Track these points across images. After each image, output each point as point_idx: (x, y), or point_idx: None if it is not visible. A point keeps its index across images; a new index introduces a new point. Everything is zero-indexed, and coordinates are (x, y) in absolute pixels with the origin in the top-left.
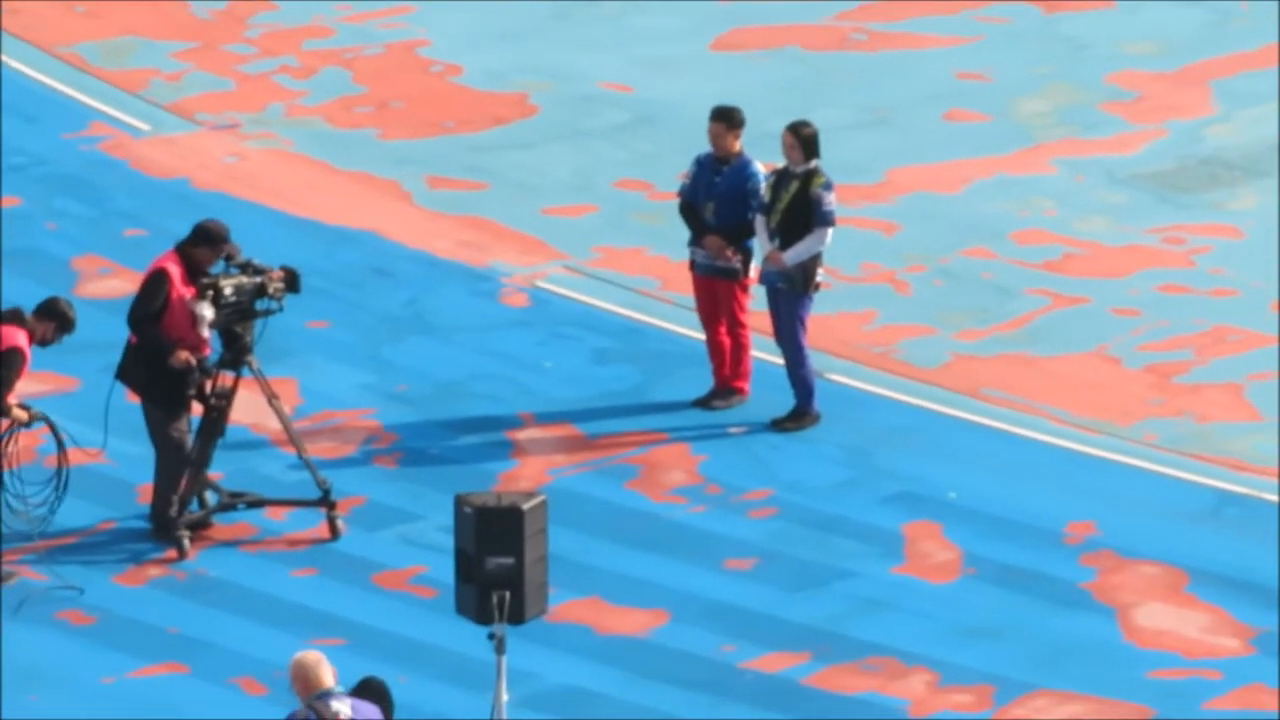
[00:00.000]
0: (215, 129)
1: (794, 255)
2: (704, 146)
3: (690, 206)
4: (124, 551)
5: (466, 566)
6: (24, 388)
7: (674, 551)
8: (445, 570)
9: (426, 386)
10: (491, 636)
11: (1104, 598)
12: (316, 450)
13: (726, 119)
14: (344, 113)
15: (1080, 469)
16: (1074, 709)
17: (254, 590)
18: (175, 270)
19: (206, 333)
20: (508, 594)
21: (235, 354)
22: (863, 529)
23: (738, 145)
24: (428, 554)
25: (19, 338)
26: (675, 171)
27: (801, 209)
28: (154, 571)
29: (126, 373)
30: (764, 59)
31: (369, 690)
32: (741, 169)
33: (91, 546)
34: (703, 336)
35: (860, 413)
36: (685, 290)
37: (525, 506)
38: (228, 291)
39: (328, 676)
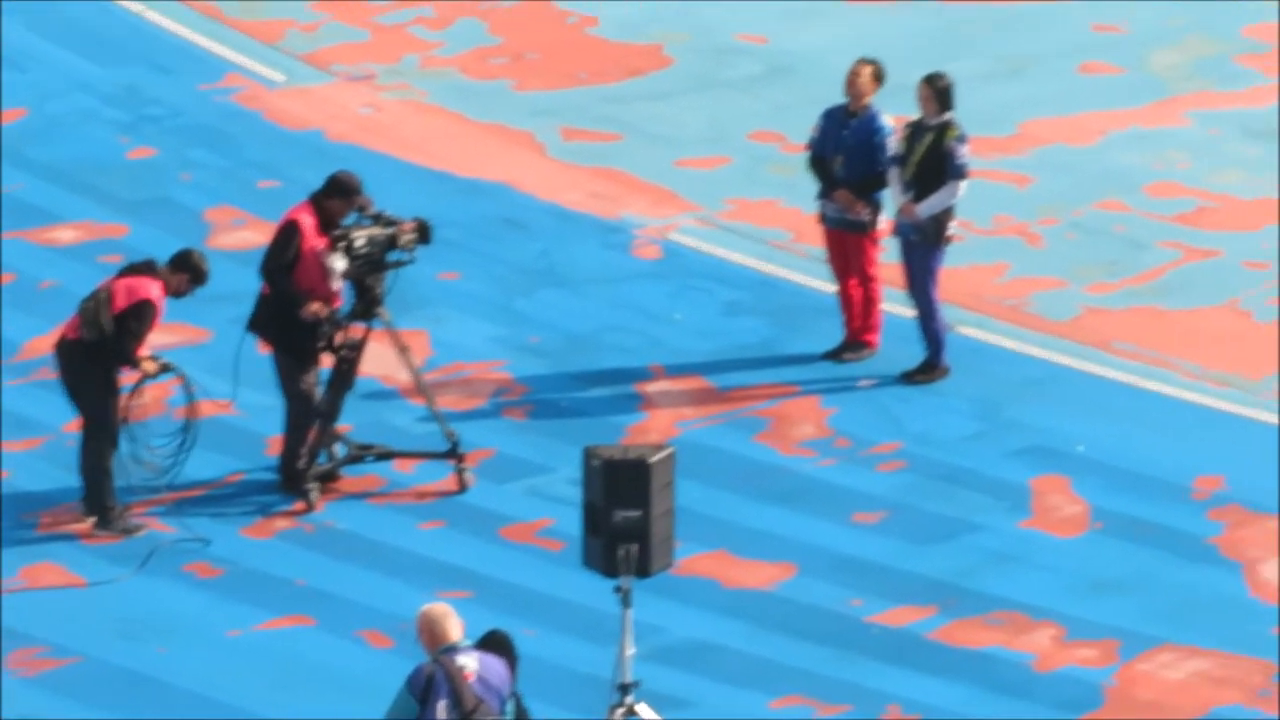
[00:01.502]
0: (350, 80)
1: (927, 208)
2: (836, 98)
3: (819, 159)
4: (252, 504)
5: (594, 519)
6: (156, 339)
7: (802, 505)
8: (573, 523)
9: (557, 339)
10: (618, 590)
11: (1231, 552)
12: (446, 402)
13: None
14: (479, 64)
15: (1210, 423)
16: (1199, 664)
17: (381, 543)
18: (308, 221)
19: (338, 284)
20: (635, 547)
21: (366, 305)
22: (991, 483)
23: (868, 99)
24: (555, 506)
25: (152, 289)
26: (809, 124)
27: (935, 162)
28: (282, 524)
29: (258, 324)
30: (900, 10)
31: (494, 644)
32: (869, 122)
33: (219, 499)
34: (833, 289)
35: (990, 366)
36: (817, 243)
37: (653, 459)
38: (360, 243)
39: (455, 630)
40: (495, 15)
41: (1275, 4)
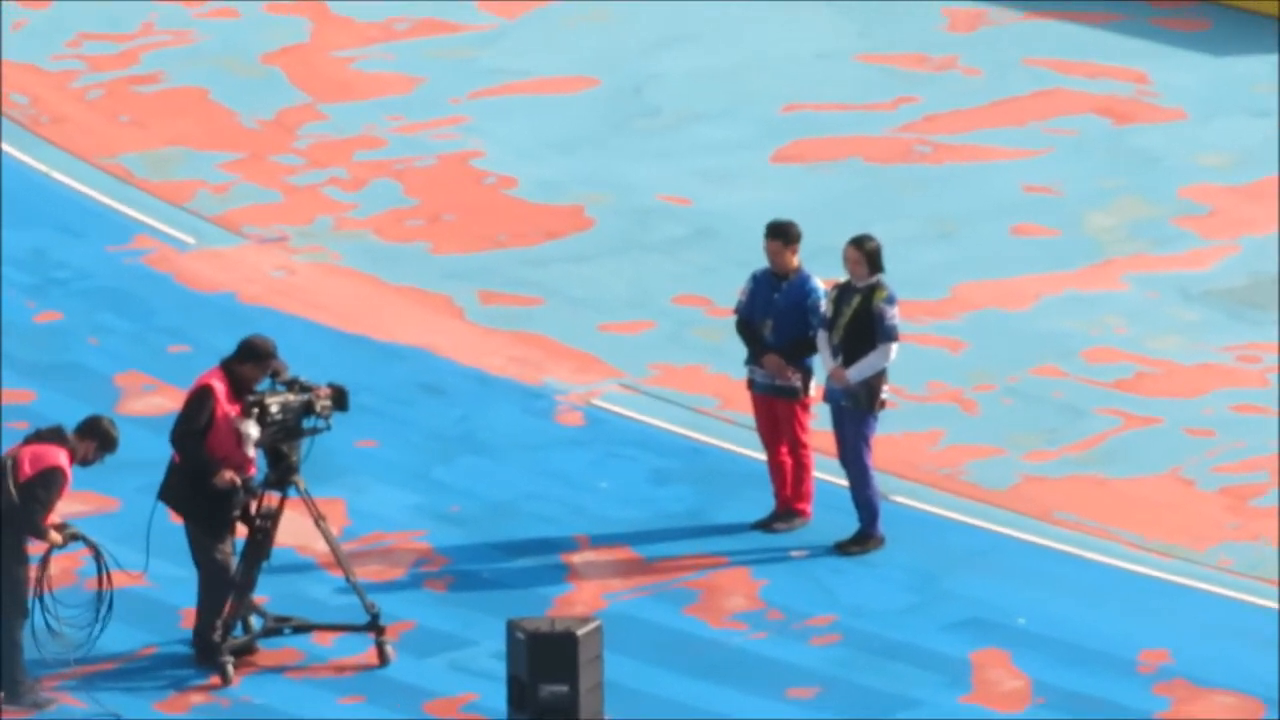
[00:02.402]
0: (262, 242)
1: (858, 372)
2: (762, 261)
3: (748, 324)
4: (166, 677)
5: (519, 694)
6: (64, 507)
7: (734, 679)
8: (498, 698)
9: (478, 507)
10: None
11: None
12: (365, 573)
13: (783, 235)
14: (395, 225)
15: (1153, 594)
16: None
17: (299, 718)
18: (220, 387)
19: (252, 452)
20: None
21: (281, 474)
22: (929, 656)
23: (796, 260)
24: (479, 681)
25: (60, 457)
26: (735, 286)
27: (865, 324)
28: (197, 698)
29: (169, 492)
30: (826, 171)
31: None
32: (800, 285)
33: (132, 672)
34: (763, 457)
35: (927, 536)
36: (745, 409)
37: (580, 632)
38: (274, 409)
39: None
40: (411, 176)
41: (1207, 166)
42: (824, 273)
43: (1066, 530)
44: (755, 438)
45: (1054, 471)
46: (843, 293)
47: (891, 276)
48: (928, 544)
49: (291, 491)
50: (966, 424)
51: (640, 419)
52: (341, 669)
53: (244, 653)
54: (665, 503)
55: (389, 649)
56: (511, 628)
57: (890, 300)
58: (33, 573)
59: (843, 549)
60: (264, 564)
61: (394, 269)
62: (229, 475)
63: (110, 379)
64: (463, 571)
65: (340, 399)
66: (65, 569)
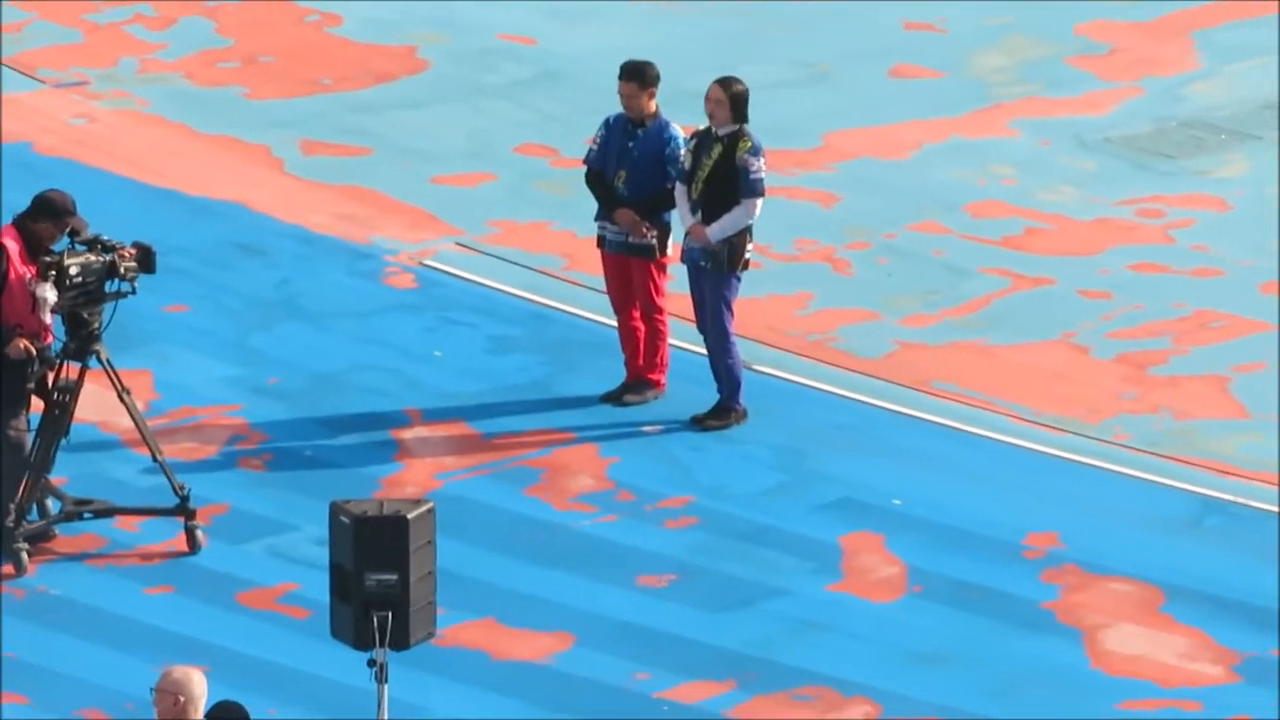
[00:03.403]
0: (60, 87)
1: (719, 230)
2: (615, 107)
3: (599, 175)
4: None
5: (343, 584)
6: None
7: (580, 567)
8: (319, 588)
9: (300, 379)
10: (372, 663)
11: (1069, 619)
12: (173, 452)
13: (639, 76)
14: (206, 68)
15: (1042, 472)
16: None
17: (102, 610)
18: (13, 247)
19: (49, 318)
20: (390, 615)
21: (81, 342)
22: (795, 541)
23: (653, 106)
24: (299, 569)
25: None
26: (585, 134)
27: (726, 177)
28: None
29: None
30: (686, 7)
31: (225, 718)
32: (658, 132)
33: None
34: (614, 322)
35: (793, 409)
36: (594, 270)
37: (410, 515)
38: (73, 271)
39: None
40: (224, 13)
41: (1106, 2)
42: (684, 120)
43: (947, 402)
44: (605, 301)
45: (934, 338)
46: (702, 141)
47: (758, 124)
48: (794, 418)
49: (93, 362)
50: (838, 286)
51: (478, 281)
52: (148, 557)
53: (40, 539)
54: (505, 374)
55: (200, 534)
56: (335, 510)
57: (755, 151)
58: None
59: (701, 423)
60: (62, 442)
61: (206, 116)
62: (23, 343)
63: None
64: (282, 450)
65: (146, 260)
66: None
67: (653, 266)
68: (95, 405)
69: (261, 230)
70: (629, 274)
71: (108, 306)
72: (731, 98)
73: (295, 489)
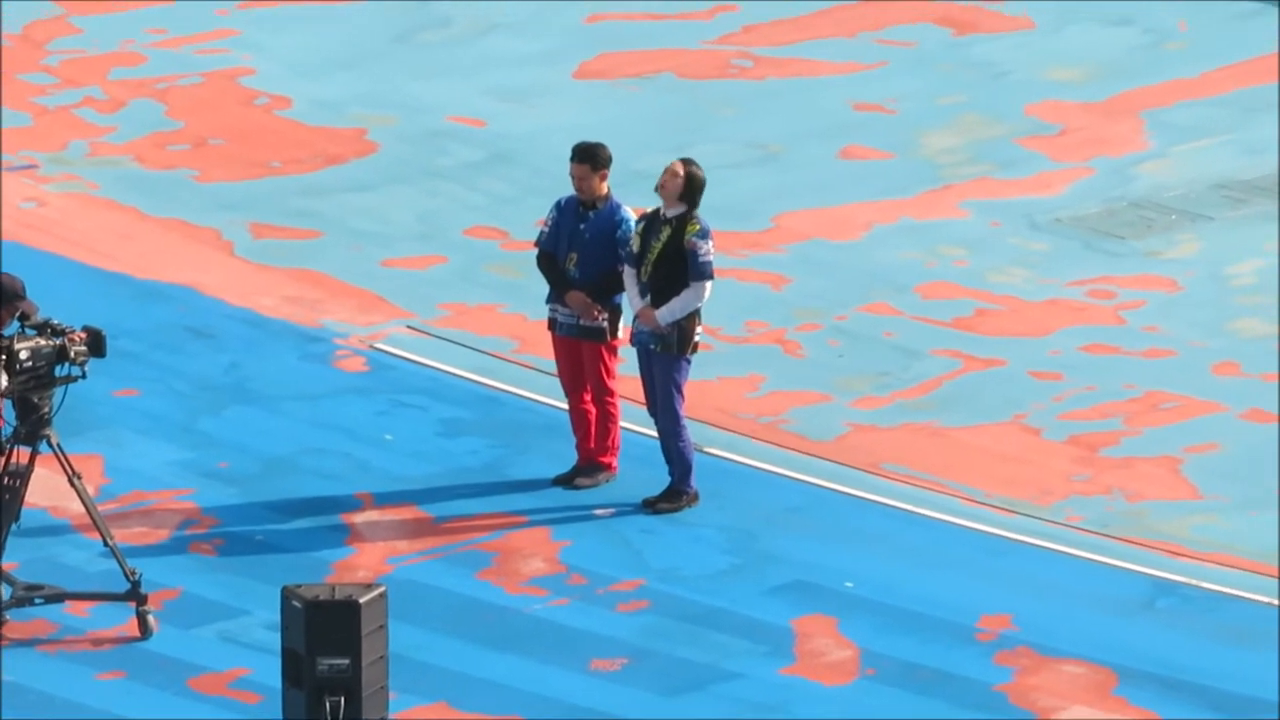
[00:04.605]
0: (10, 170)
1: (668, 313)
2: (566, 188)
3: (550, 257)
4: None
5: (295, 668)
6: None
7: (532, 650)
8: (272, 673)
9: (251, 463)
10: None
11: (1021, 701)
12: (125, 536)
13: (591, 158)
14: (156, 151)
15: (995, 554)
16: None
17: (53, 696)
18: None
19: None
20: (342, 700)
21: (32, 427)
22: (747, 624)
23: (605, 187)
24: (251, 654)
25: None
26: (535, 216)
27: (675, 260)
28: None
29: None
30: (635, 88)
31: None
32: (610, 214)
33: None
34: (565, 405)
35: (745, 491)
36: (545, 352)
37: (362, 600)
38: (23, 356)
39: None
40: (174, 95)
41: (1058, 81)
42: (635, 201)
43: (899, 484)
44: (556, 384)
45: (885, 419)
46: (650, 224)
47: (708, 204)
48: (746, 500)
49: (43, 446)
50: (789, 368)
51: (429, 364)
52: (99, 642)
53: None
54: (457, 456)
55: (151, 619)
56: (287, 595)
57: (703, 234)
58: None
59: (652, 506)
60: (13, 526)
61: (156, 199)
62: None
63: None
64: (233, 534)
65: (97, 344)
66: None
67: (604, 349)
68: (46, 490)
69: (211, 313)
70: (580, 357)
71: (58, 391)
72: (688, 176)
73: (247, 573)
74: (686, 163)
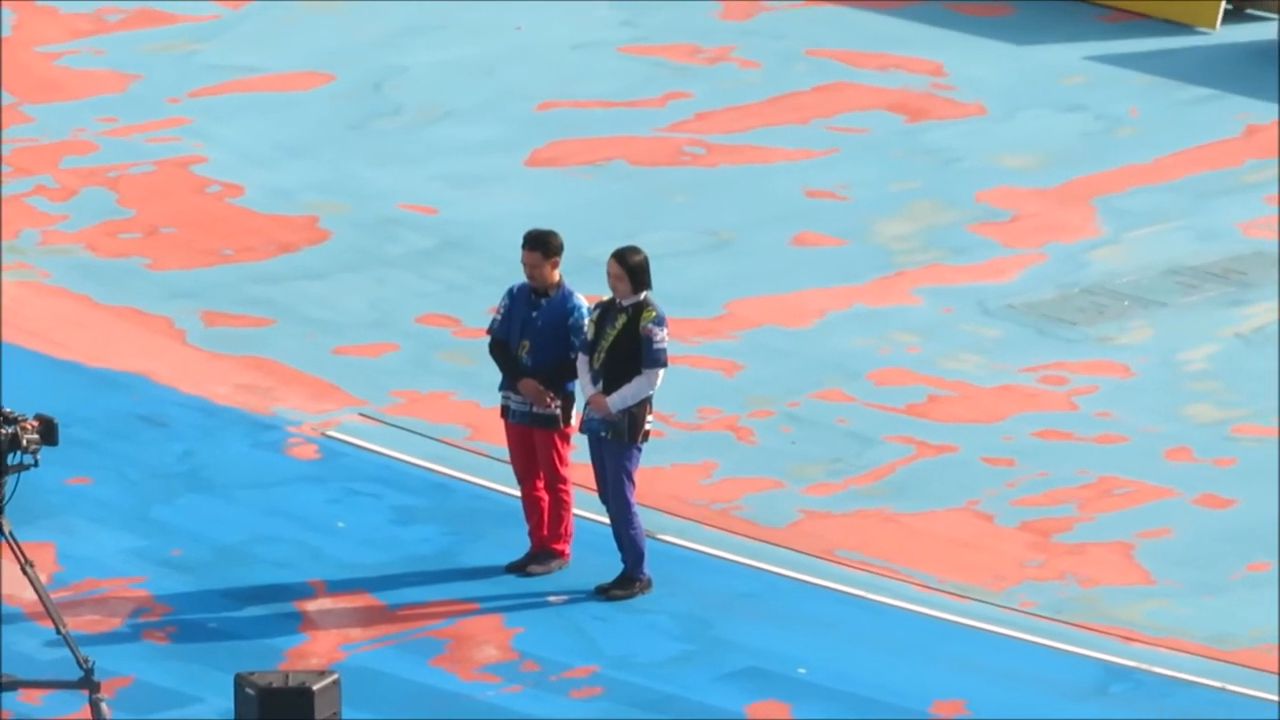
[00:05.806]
0: None
1: (620, 400)
2: (518, 276)
3: (503, 345)
4: None
5: None
6: None
7: None
8: None
9: (204, 551)
10: None
11: None
12: (77, 624)
13: (542, 246)
14: (108, 239)
15: (948, 640)
16: None
17: None
18: None
19: None
20: None
21: None
22: (701, 710)
23: (556, 275)
24: None
25: None
26: (487, 304)
27: (629, 347)
28: None
29: None
30: (587, 175)
31: None
32: (562, 302)
33: None
34: (517, 492)
35: (698, 578)
36: (497, 440)
37: (316, 687)
38: None
39: None
40: (125, 184)
41: (1010, 168)
42: (587, 288)
43: (852, 570)
44: (508, 471)
45: (838, 506)
46: (606, 312)
47: (660, 291)
48: (699, 587)
49: None
50: (742, 454)
51: (381, 452)
52: None
53: None
54: (410, 544)
55: (104, 707)
56: (240, 682)
57: (659, 321)
58: None
59: (605, 593)
60: None
61: (108, 288)
62: None
63: None
64: (186, 622)
65: (49, 432)
66: None
67: (556, 436)
68: None
69: (164, 401)
70: (533, 444)
71: (10, 479)
72: (630, 270)
73: (200, 661)
74: (620, 258)
